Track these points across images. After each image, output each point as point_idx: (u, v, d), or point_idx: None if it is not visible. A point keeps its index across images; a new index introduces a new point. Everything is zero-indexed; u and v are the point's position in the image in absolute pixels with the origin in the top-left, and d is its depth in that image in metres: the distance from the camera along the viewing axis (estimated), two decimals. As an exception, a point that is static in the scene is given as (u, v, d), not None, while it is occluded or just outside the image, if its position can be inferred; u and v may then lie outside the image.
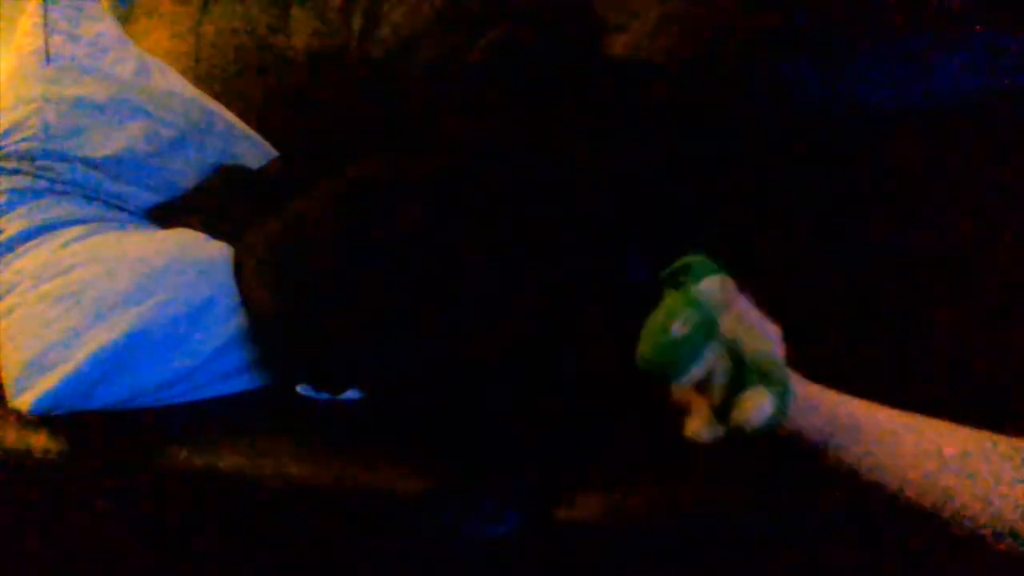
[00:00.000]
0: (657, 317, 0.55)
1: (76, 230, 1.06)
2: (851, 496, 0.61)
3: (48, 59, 1.16)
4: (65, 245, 1.03)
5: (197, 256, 1.04)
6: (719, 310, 0.54)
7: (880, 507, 0.57)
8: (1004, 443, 0.56)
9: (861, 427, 0.59)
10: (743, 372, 0.54)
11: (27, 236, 1.04)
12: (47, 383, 0.91)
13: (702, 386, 0.55)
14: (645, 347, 0.55)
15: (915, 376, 0.82)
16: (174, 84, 1.31)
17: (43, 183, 1.08)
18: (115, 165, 1.12)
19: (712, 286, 0.54)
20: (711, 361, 0.54)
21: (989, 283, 0.93)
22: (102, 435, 0.95)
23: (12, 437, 0.95)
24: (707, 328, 0.54)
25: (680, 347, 0.54)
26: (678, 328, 0.54)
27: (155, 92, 1.23)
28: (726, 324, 0.54)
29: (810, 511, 0.75)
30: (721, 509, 0.78)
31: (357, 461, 0.88)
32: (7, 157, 1.07)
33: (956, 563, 0.59)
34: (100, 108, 1.12)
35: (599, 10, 1.25)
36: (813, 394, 0.62)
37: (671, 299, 0.56)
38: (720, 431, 0.55)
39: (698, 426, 0.56)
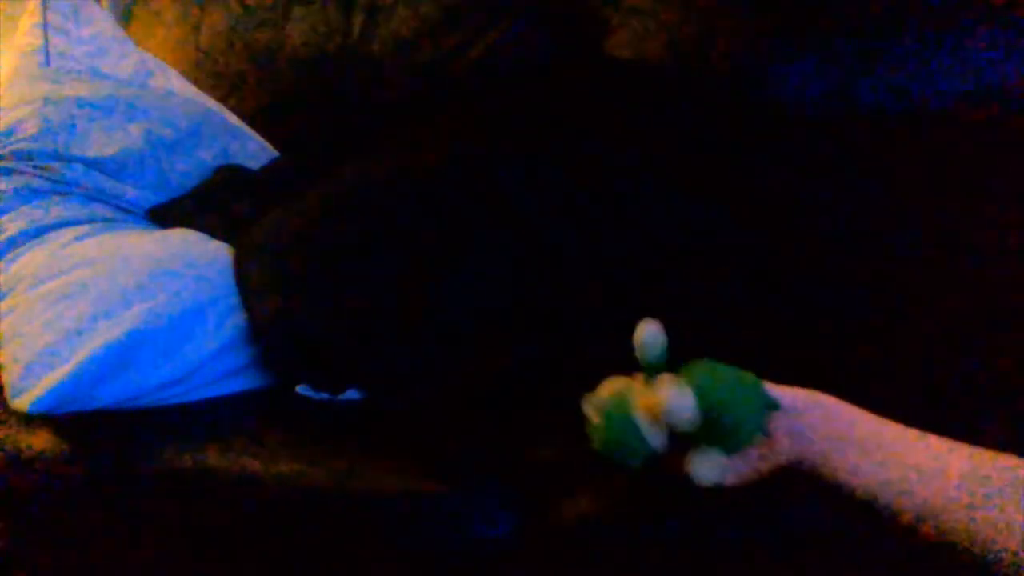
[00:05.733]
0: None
1: (76, 230, 1.06)
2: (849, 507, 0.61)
3: (48, 59, 1.16)
4: (65, 245, 1.03)
5: (197, 256, 1.04)
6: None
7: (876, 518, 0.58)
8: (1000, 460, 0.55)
9: (871, 441, 0.58)
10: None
11: (27, 236, 1.04)
12: (47, 383, 0.91)
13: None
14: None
15: (913, 380, 0.83)
16: (174, 84, 1.31)
17: (43, 183, 1.08)
18: (115, 165, 1.12)
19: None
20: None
21: (989, 285, 0.93)
22: (102, 435, 0.95)
23: (12, 437, 0.95)
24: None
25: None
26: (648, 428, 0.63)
27: (155, 92, 1.24)
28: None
29: (808, 513, 0.75)
30: (720, 510, 0.78)
31: (356, 461, 0.88)
32: (7, 157, 1.07)
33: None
34: (100, 108, 1.13)
35: (599, 10, 1.25)
36: (827, 406, 0.62)
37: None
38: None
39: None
